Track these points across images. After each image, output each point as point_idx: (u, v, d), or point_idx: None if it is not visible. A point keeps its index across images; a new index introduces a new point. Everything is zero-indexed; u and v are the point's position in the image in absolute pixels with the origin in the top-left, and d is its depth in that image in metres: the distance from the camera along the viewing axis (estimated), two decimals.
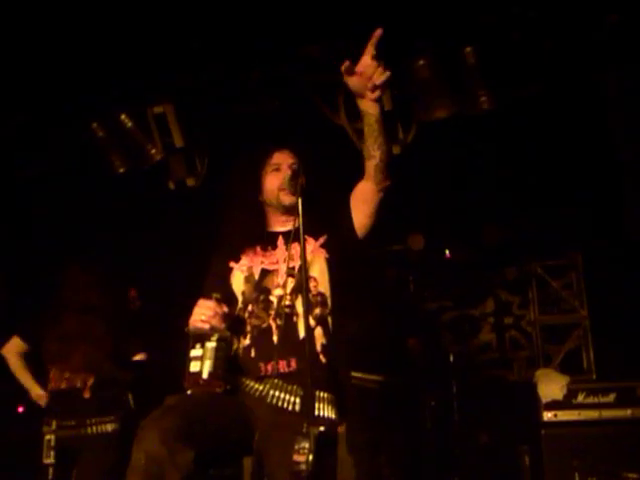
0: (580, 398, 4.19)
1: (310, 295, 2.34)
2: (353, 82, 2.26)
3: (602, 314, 5.41)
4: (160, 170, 4.55)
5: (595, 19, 3.50)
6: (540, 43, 3.57)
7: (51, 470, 3.55)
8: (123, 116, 4.37)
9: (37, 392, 3.83)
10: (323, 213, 2.49)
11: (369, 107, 2.30)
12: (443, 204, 5.23)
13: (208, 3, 3.56)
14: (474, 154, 4.65)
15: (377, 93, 2.26)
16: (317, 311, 2.37)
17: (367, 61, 2.22)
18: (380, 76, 2.22)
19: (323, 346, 2.35)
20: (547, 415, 4.08)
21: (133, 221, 5.02)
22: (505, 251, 5.88)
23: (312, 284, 2.38)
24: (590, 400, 4.15)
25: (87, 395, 3.67)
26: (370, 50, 2.22)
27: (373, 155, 2.36)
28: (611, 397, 4.13)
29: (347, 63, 2.23)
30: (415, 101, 3.87)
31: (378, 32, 2.20)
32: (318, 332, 2.36)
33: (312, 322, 2.33)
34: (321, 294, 2.40)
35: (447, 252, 6.14)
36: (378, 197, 2.44)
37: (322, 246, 2.47)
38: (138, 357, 3.83)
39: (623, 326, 4.99)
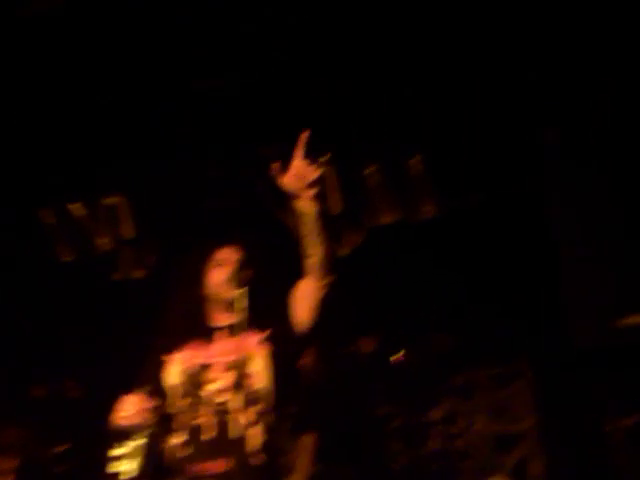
0: None
1: (247, 392, 2.29)
2: (287, 183, 2.34)
3: (550, 423, 5.39)
4: (107, 260, 4.52)
5: (538, 132, 3.74)
6: (482, 155, 3.76)
7: None
8: (75, 205, 4.38)
9: None
10: (266, 308, 2.48)
11: (306, 206, 2.36)
12: (394, 308, 5.27)
13: (165, 98, 3.68)
14: (425, 260, 4.75)
15: (312, 191, 2.33)
16: (254, 409, 2.31)
17: (299, 161, 2.32)
18: (313, 173, 2.32)
19: (258, 446, 2.27)
20: None
21: (75, 309, 4.91)
22: (453, 358, 5.89)
23: (251, 380, 2.33)
24: None
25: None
26: (299, 152, 2.33)
27: (312, 254, 2.40)
28: None
29: (276, 165, 2.32)
30: (363, 205, 3.99)
31: (305, 135, 2.31)
32: (254, 431, 2.28)
33: (247, 420, 2.26)
34: (259, 391, 2.35)
35: (395, 356, 6.13)
36: (319, 293, 2.46)
37: (264, 341, 2.45)
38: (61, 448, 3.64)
39: (573, 435, 4.98)
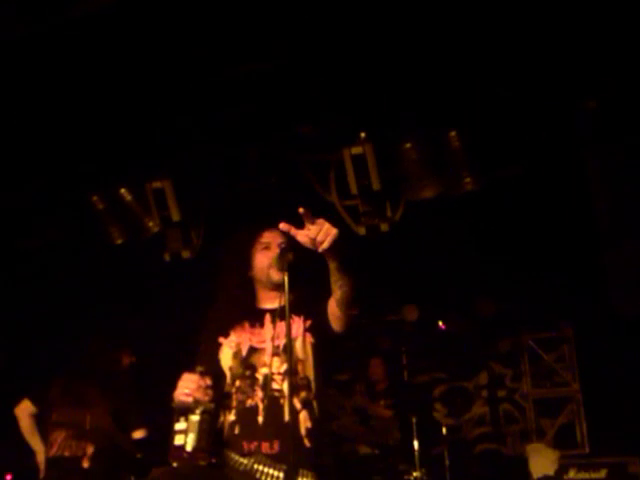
0: (572, 474, 4.18)
1: (297, 378, 2.39)
2: (303, 242, 2.29)
3: (595, 388, 5.42)
4: (157, 242, 4.67)
5: (574, 104, 3.70)
6: (521, 126, 3.74)
7: None
8: (123, 190, 4.53)
9: (42, 457, 3.76)
10: (311, 293, 2.55)
11: (326, 256, 2.33)
12: (437, 277, 5.32)
13: (207, 84, 3.75)
14: (467, 230, 4.77)
15: (328, 250, 2.26)
16: (303, 394, 2.40)
17: (309, 232, 2.25)
18: (324, 235, 2.23)
19: (308, 430, 2.37)
20: None
21: (129, 290, 5.10)
22: (498, 323, 5.93)
23: (300, 366, 2.44)
24: (582, 475, 4.14)
25: (86, 465, 3.58)
26: (307, 221, 2.27)
27: (335, 291, 2.43)
28: (602, 473, 4.13)
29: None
30: (402, 181, 4.02)
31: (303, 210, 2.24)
32: (303, 415, 2.39)
33: (298, 405, 2.36)
34: (307, 378, 2.44)
35: (440, 323, 6.20)
36: (347, 318, 2.49)
37: (308, 330, 2.52)
38: (138, 434, 3.77)
39: (616, 400, 5.00)
